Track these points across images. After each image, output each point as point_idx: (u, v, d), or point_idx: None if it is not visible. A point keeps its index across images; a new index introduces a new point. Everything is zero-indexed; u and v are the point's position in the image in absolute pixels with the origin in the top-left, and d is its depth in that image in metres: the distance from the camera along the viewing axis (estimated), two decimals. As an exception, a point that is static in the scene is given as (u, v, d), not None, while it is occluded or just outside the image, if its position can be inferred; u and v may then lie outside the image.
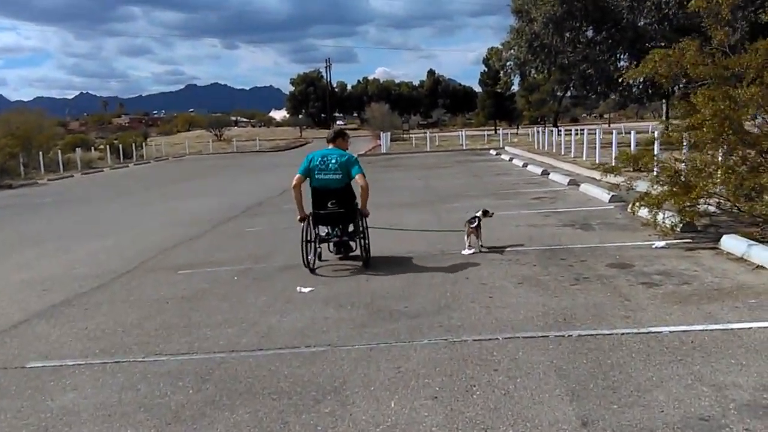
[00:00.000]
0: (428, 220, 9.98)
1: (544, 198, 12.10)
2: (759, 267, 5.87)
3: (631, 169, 8.41)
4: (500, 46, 34.12)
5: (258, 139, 57.33)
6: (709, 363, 3.79)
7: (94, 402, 3.80)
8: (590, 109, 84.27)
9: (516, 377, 3.75)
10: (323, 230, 7.21)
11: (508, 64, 32.63)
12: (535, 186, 14.42)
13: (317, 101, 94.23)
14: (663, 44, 13.39)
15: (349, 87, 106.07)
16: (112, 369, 4.34)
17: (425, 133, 43.72)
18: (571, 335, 4.40)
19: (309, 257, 6.87)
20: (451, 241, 7.78)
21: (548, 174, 16.45)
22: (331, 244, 7.38)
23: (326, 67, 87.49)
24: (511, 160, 23.44)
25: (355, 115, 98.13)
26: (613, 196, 10.55)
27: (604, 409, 3.28)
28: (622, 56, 29.04)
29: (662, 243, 7.12)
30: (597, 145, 18.52)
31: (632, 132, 16.02)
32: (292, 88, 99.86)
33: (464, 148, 34.85)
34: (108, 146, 41.65)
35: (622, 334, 4.37)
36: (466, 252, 7.21)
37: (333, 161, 6.89)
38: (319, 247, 7.19)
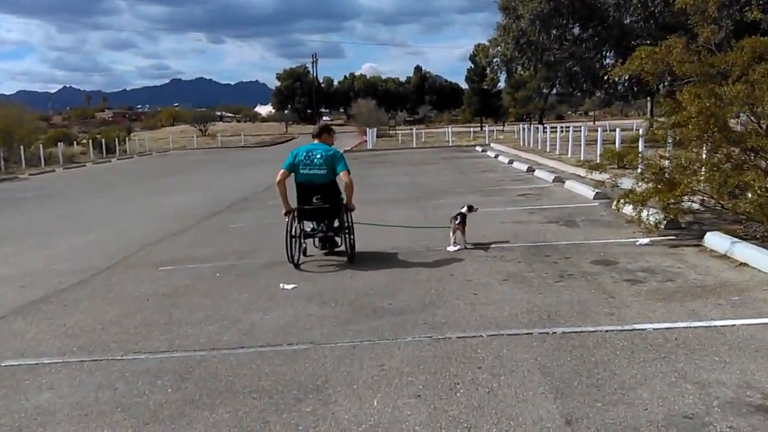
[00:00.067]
0: (414, 216, 9.94)
1: (529, 195, 12.11)
2: (742, 264, 5.89)
3: (616, 167, 8.43)
4: (487, 43, 34.10)
5: (243, 135, 56.90)
6: (692, 360, 3.78)
7: (71, 401, 3.72)
8: (576, 106, 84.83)
9: (500, 375, 3.72)
10: (308, 225, 7.14)
11: (494, 60, 32.58)
12: (521, 183, 14.44)
13: (303, 96, 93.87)
14: (649, 42, 13.43)
15: (335, 82, 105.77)
16: (89, 367, 4.26)
17: (412, 129, 43.70)
18: (556, 332, 4.38)
19: (294, 253, 6.81)
20: (436, 237, 7.75)
21: (534, 171, 16.48)
22: (317, 240, 7.33)
23: (313, 63, 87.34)
24: (496, 157, 23.48)
25: (342, 110, 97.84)
26: (597, 193, 10.59)
27: (588, 407, 3.26)
28: (608, 54, 29.13)
29: (646, 240, 7.14)
30: (582, 143, 18.59)
31: (617, 129, 16.09)
32: (278, 83, 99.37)
33: (450, 144, 34.88)
34: (91, 141, 41.10)
35: (607, 331, 4.36)
36: (451, 248, 7.18)
37: (318, 156, 6.83)
38: (304, 242, 7.14)
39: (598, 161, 9.02)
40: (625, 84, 28.40)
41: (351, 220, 7.05)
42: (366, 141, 37.65)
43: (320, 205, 6.86)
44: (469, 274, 6.15)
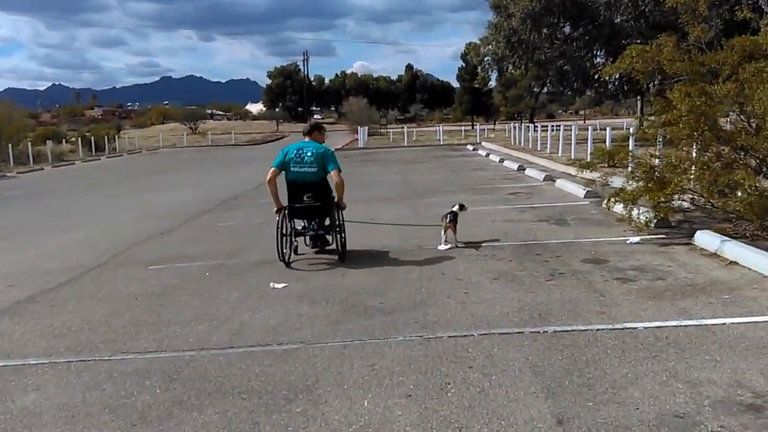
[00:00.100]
0: (405, 214, 9.92)
1: (520, 193, 12.12)
2: (732, 263, 5.91)
3: (607, 165, 8.44)
4: (478, 42, 34.09)
5: (234, 133, 56.69)
6: (683, 359, 3.78)
7: (57, 402, 3.67)
8: (566, 105, 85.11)
9: (491, 374, 3.70)
10: (299, 224, 7.11)
11: (485, 59, 32.59)
12: (512, 181, 14.45)
13: (294, 95, 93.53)
14: (639, 41, 13.47)
15: (326, 81, 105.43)
16: (76, 368, 4.21)
17: (403, 127, 43.68)
18: (547, 331, 4.37)
19: (285, 251, 6.77)
20: (427, 235, 7.73)
21: (524, 170, 16.50)
22: (308, 238, 7.30)
23: (304, 60, 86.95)
24: (487, 155, 23.49)
25: (333, 109, 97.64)
26: (588, 191, 10.60)
27: (579, 407, 3.25)
28: (598, 53, 29.23)
29: (637, 239, 7.15)
30: (573, 141, 18.62)
31: (607, 128, 16.13)
32: (269, 81, 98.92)
33: (441, 143, 34.88)
34: (80, 139, 40.79)
35: (597, 330, 4.35)
36: (442, 247, 7.17)
37: (309, 154, 6.80)
38: (295, 240, 7.11)
39: (588, 160, 9.04)
40: (616, 83, 28.51)
41: (342, 219, 7.02)
42: (357, 139, 37.59)
43: (311, 203, 6.83)
44: (460, 272, 6.13)
